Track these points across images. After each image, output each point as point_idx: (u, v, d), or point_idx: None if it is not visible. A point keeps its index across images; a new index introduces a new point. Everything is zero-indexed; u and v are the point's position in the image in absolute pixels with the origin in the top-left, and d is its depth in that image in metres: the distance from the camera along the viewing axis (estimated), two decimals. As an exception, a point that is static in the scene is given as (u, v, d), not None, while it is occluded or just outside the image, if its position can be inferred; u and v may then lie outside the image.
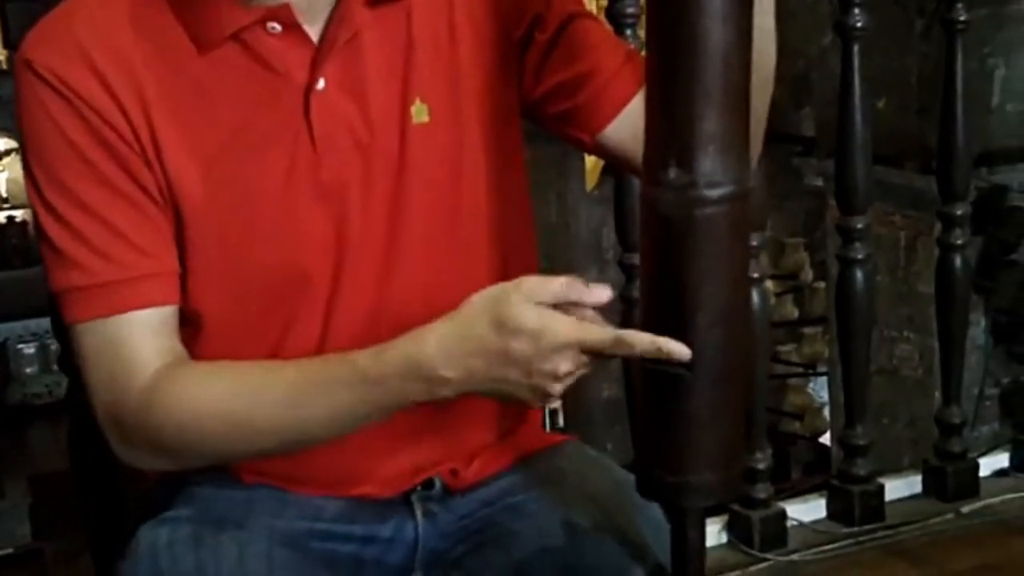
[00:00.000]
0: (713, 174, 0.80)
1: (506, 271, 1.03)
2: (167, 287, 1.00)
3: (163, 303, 0.99)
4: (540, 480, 1.09)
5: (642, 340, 0.85)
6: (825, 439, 5.50)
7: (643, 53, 0.91)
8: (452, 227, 1.05)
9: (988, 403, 3.39)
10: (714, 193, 0.81)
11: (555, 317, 0.86)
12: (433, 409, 0.97)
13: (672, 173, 0.80)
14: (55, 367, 8.49)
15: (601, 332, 0.86)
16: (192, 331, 1.02)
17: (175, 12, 0.99)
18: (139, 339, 0.98)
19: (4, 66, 7.94)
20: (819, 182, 4.03)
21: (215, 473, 1.05)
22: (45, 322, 8.10)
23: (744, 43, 0.79)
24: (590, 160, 4.28)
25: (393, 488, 1.07)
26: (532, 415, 1.18)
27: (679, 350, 0.84)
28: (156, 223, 0.99)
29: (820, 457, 5.51)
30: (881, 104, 3.49)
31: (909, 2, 3.39)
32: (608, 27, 1.13)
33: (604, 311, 0.89)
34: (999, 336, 3.45)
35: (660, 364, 0.83)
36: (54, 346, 8.23)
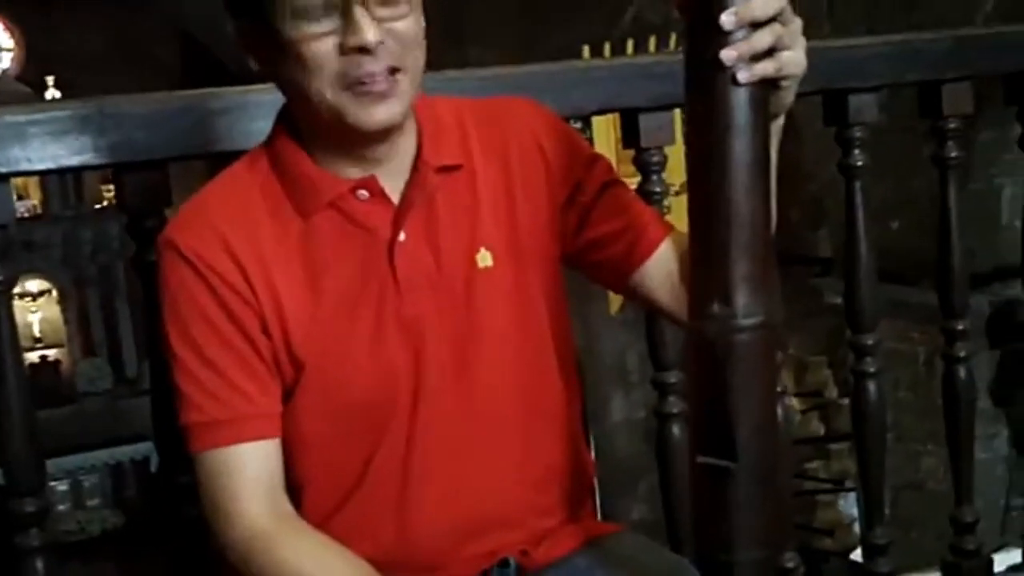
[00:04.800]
0: (748, 307, 1.00)
1: (567, 387, 1.28)
2: (266, 425, 1.21)
3: (261, 438, 1.20)
4: (604, 562, 1.27)
5: None
6: (856, 555, 5.51)
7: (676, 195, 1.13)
8: (517, 351, 1.26)
9: (1015, 514, 3.47)
10: (749, 322, 1.01)
11: None
12: (499, 500, 1.21)
13: (716, 307, 1.01)
14: (88, 504, 8.54)
15: None
16: (297, 452, 1.22)
17: (283, 187, 1.21)
18: (240, 471, 1.19)
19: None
20: (839, 300, 4.07)
21: None
22: (78, 459, 8.07)
23: (766, 206, 1.01)
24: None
25: (473, 569, 1.25)
26: (587, 507, 1.37)
27: None
28: (261, 376, 1.20)
29: (853, 573, 5.52)
30: (895, 225, 3.61)
31: (917, 129, 3.51)
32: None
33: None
34: (1022, 447, 3.53)
35: (710, 458, 1.03)
36: (87, 483, 8.24)
